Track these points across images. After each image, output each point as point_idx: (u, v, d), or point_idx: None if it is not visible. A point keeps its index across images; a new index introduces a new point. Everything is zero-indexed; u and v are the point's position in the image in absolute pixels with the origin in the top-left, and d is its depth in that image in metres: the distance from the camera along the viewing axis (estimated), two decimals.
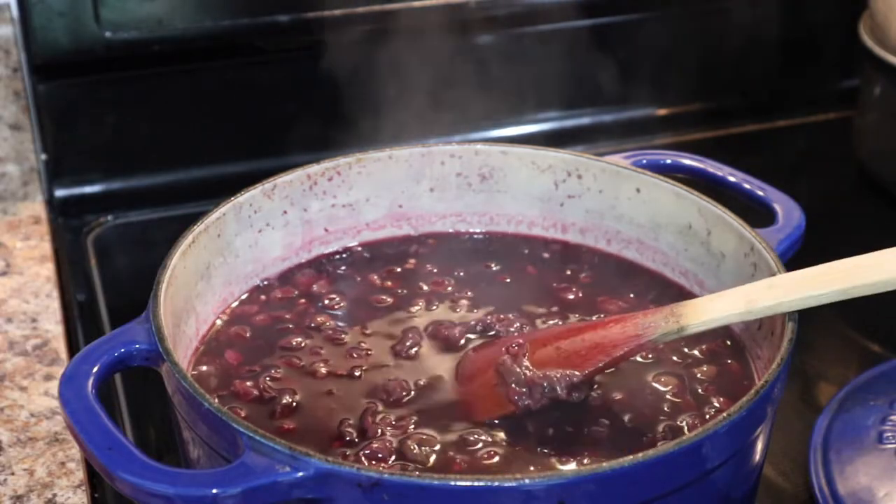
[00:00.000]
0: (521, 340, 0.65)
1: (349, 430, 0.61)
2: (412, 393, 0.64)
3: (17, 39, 0.99)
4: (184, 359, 0.65)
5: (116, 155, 1.04)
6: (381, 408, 0.63)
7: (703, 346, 0.68)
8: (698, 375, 0.66)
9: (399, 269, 0.76)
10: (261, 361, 0.67)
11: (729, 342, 0.69)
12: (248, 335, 0.70)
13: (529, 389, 0.62)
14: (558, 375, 0.62)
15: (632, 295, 0.74)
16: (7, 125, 1.01)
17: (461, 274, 0.76)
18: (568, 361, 0.63)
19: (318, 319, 0.71)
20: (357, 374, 0.66)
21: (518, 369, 0.63)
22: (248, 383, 0.65)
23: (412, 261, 0.77)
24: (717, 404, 0.64)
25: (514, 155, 0.78)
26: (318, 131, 1.08)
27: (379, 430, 0.61)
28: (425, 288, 0.74)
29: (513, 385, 0.62)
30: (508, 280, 0.76)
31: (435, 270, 0.76)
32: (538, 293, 0.74)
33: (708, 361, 0.68)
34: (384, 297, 0.73)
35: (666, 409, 0.64)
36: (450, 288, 0.74)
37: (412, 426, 0.61)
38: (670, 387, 0.65)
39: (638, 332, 0.62)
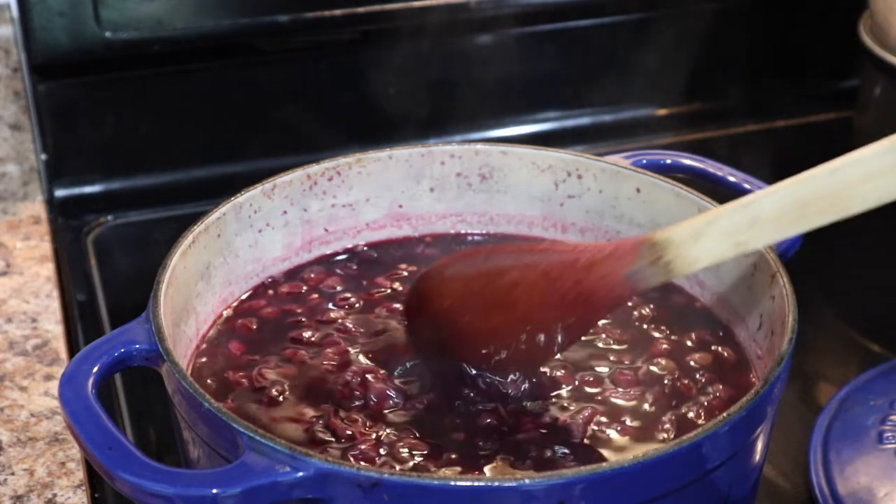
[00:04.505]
0: None
1: (321, 429, 0.61)
2: (394, 399, 0.63)
3: (17, 39, 0.99)
4: (184, 359, 0.65)
5: (116, 155, 1.04)
6: (355, 405, 0.62)
7: (700, 339, 0.69)
8: (693, 365, 0.67)
9: (399, 270, 0.76)
10: (259, 362, 0.67)
11: (729, 342, 0.69)
12: (249, 333, 0.70)
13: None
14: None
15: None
16: (7, 125, 1.01)
17: None
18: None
19: (318, 320, 0.71)
20: (349, 377, 0.65)
21: None
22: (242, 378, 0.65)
23: (413, 263, 0.77)
24: (714, 396, 0.64)
25: (514, 155, 0.78)
26: (317, 131, 1.08)
27: (349, 432, 0.60)
28: None
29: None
30: None
31: None
32: None
33: (705, 356, 0.68)
34: (384, 298, 0.73)
35: (665, 405, 0.64)
36: None
37: (388, 429, 0.61)
38: (668, 382, 0.65)
39: (625, 292, 0.60)
